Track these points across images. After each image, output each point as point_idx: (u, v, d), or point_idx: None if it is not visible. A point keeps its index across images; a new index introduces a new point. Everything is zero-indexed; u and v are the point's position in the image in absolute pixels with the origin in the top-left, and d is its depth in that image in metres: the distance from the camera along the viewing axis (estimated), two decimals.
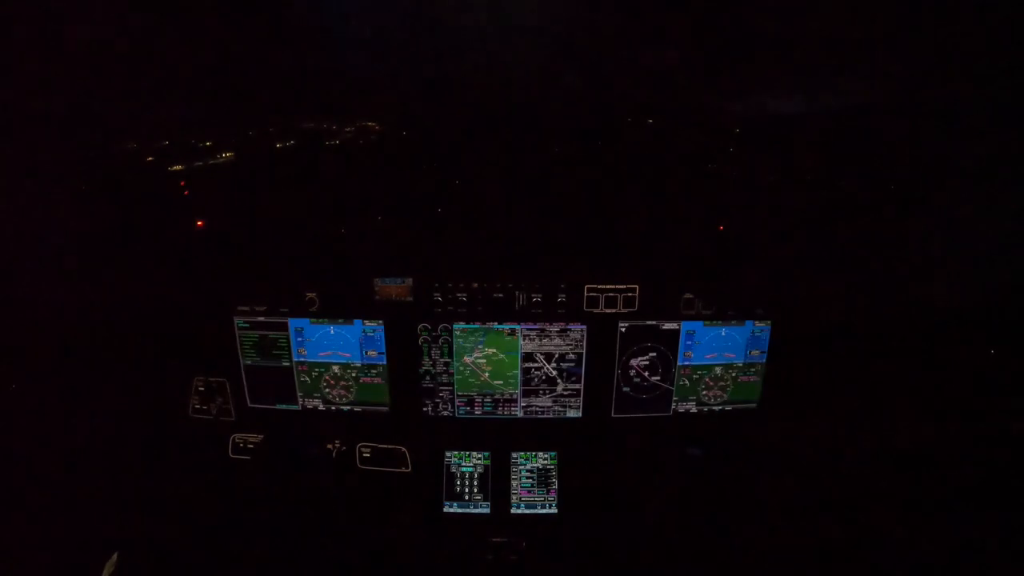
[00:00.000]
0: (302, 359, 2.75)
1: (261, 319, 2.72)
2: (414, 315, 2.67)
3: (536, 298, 2.64)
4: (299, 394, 2.80)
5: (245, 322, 2.74)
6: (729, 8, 2.59)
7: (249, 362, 2.78)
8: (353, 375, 2.75)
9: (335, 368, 2.75)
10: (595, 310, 2.65)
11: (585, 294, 2.64)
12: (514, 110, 3.16)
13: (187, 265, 2.75)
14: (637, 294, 2.65)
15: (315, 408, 2.81)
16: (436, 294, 2.63)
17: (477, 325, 2.67)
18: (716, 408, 2.78)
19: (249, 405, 2.84)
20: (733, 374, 2.75)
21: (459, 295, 2.62)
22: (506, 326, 2.67)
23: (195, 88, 2.81)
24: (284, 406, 2.83)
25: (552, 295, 2.64)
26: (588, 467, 2.72)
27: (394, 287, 2.60)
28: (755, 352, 2.73)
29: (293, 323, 2.72)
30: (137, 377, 2.76)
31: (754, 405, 2.78)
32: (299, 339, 2.73)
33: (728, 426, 2.78)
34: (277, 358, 2.76)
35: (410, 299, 2.63)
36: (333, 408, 2.80)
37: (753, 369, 2.75)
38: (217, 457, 2.84)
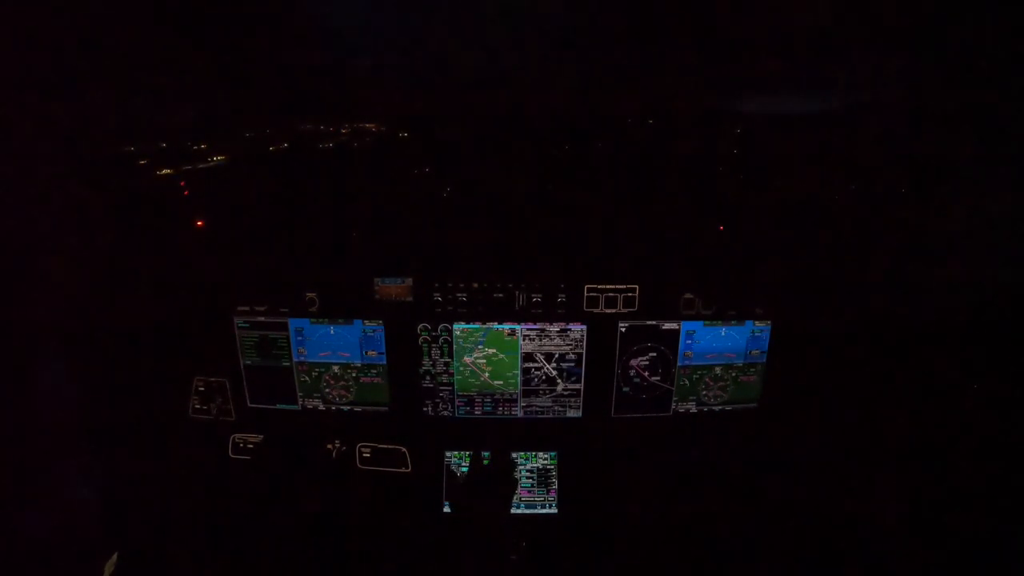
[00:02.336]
0: (302, 359, 2.75)
1: (261, 319, 2.72)
2: (414, 315, 2.67)
3: (536, 298, 2.64)
4: (299, 394, 2.80)
5: (245, 322, 2.74)
6: (731, 8, 2.59)
7: (249, 362, 2.79)
8: (353, 375, 2.75)
9: (335, 368, 2.75)
10: (595, 310, 2.65)
11: (585, 294, 2.64)
12: (513, 111, 3.16)
13: (187, 265, 2.75)
14: (637, 294, 2.65)
15: (315, 408, 2.81)
16: (436, 294, 2.63)
17: (477, 325, 2.67)
18: (716, 408, 2.79)
19: (249, 405, 2.84)
20: (733, 374, 2.75)
21: (459, 295, 2.62)
22: (506, 326, 2.67)
23: (194, 90, 2.81)
24: (284, 406, 2.83)
25: (552, 295, 2.64)
26: (588, 467, 2.72)
27: (394, 287, 2.60)
28: (755, 352, 2.73)
29: (293, 323, 2.72)
30: (137, 377, 2.76)
31: (754, 405, 2.78)
32: (299, 339, 2.73)
33: (728, 426, 2.78)
34: (277, 358, 2.76)
35: (410, 299, 2.63)
36: (333, 408, 2.80)
37: (753, 369, 2.75)
38: (217, 457, 2.85)
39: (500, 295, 2.64)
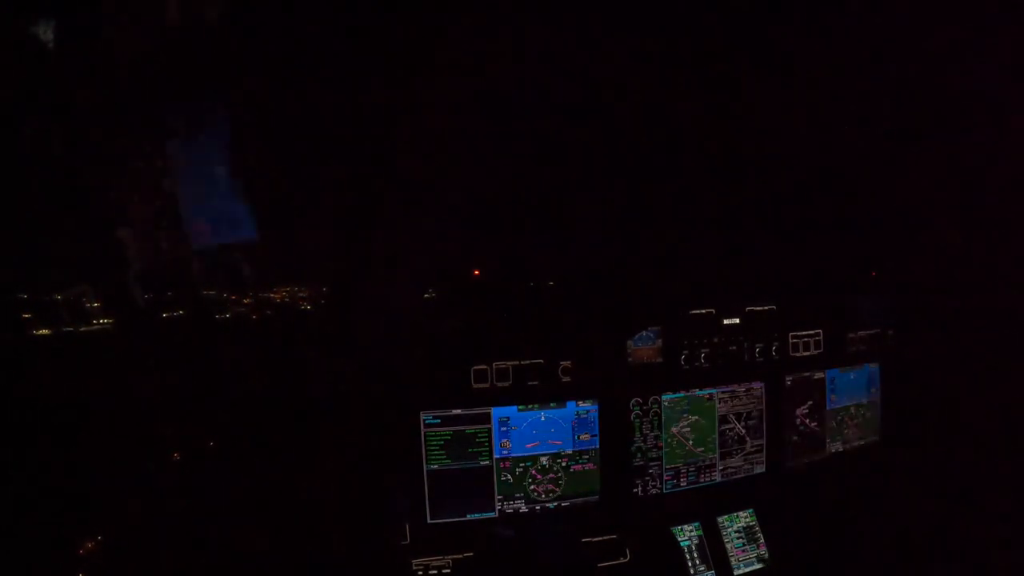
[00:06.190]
0: (505, 454, 2.37)
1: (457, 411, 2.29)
2: (626, 391, 2.53)
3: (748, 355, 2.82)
4: (498, 497, 2.38)
5: (435, 418, 2.27)
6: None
7: (436, 466, 2.29)
8: (563, 464, 2.45)
9: (543, 460, 2.42)
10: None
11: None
12: None
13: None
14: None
15: (516, 511, 2.41)
16: (683, 351, 2.61)
17: (682, 394, 2.64)
18: (855, 444, 3.15)
19: (429, 521, 2.31)
20: (862, 412, 3.16)
21: (701, 351, 2.65)
22: (705, 391, 2.70)
23: None
24: (478, 515, 2.37)
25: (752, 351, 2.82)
26: (781, 517, 2.80)
27: (646, 349, 2.48)
28: (873, 390, 3.20)
29: (497, 412, 2.34)
30: None
31: (877, 438, 3.21)
32: (503, 430, 2.35)
33: (865, 460, 3.14)
34: (474, 457, 2.33)
35: (659, 360, 2.54)
36: (538, 508, 2.43)
37: (874, 404, 3.20)
38: None
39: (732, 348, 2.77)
